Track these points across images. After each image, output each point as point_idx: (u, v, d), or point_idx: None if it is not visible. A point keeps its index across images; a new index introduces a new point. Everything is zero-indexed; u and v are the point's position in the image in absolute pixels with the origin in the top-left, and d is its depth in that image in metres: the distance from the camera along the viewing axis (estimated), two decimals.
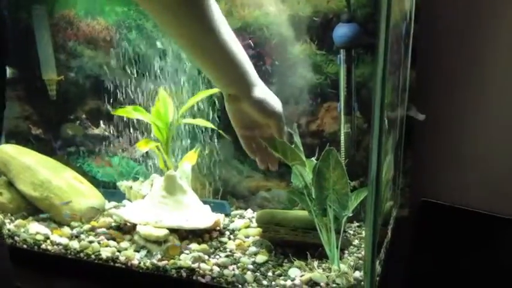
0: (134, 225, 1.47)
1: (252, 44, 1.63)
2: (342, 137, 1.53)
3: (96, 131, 1.83)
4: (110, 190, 1.81)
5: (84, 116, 1.84)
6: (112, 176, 1.85)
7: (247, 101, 0.86)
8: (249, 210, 1.70)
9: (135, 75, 1.73)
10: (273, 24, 1.61)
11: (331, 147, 1.22)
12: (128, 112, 1.55)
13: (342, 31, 1.44)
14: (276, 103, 0.90)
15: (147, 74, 1.72)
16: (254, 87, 0.86)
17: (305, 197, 1.26)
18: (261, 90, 0.87)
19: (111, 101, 1.70)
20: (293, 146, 1.33)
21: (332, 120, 1.64)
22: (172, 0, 0.76)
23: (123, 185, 1.65)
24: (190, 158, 1.65)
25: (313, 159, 1.32)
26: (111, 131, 1.81)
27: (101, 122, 1.83)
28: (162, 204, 1.50)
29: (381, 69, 1.00)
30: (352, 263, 1.25)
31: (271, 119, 0.92)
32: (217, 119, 1.68)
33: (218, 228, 1.52)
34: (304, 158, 1.27)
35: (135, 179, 1.78)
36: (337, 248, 1.24)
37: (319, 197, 1.23)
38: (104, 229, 1.52)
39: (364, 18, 1.47)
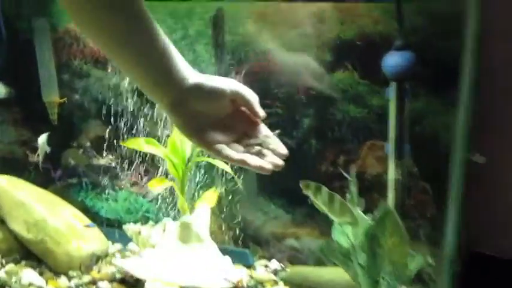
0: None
1: (282, 71, 1.48)
2: (391, 184, 1.35)
3: (102, 161, 1.71)
4: (115, 229, 1.67)
5: (88, 143, 1.73)
6: (118, 212, 1.71)
7: (190, 93, 0.61)
8: (274, 261, 1.52)
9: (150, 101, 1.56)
10: (308, 46, 1.45)
11: (387, 206, 1.03)
12: (139, 144, 1.39)
13: (393, 60, 1.27)
14: (223, 79, 0.64)
15: None
16: (190, 75, 0.62)
17: (351, 262, 1.07)
18: (199, 76, 0.63)
19: (121, 128, 1.62)
20: (349, 198, 1.15)
21: (376, 161, 1.46)
22: None
23: (129, 229, 1.48)
24: (209, 199, 1.50)
25: (363, 214, 1.14)
26: (119, 162, 1.69)
27: (108, 151, 1.71)
28: (175, 256, 1.32)
29: (465, 111, 0.82)
30: None
31: (234, 96, 0.63)
32: None
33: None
34: (359, 213, 1.09)
35: (145, 219, 1.62)
36: None
37: (370, 266, 1.04)
38: (106, 282, 1.34)
39: (420, 45, 1.28)
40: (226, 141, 0.63)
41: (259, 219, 1.59)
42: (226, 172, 1.54)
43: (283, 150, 0.63)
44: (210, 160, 1.46)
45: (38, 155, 1.67)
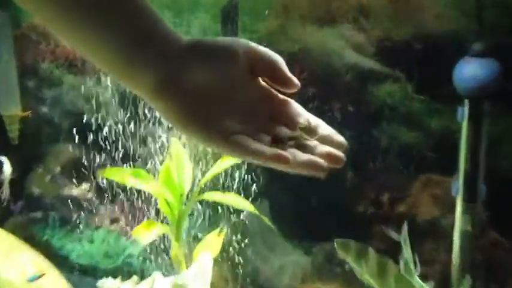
0: None
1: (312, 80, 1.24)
2: (457, 235, 1.07)
3: (75, 192, 1.51)
4: (88, 278, 1.47)
5: (58, 169, 1.53)
6: (93, 256, 1.50)
7: (186, 59, 0.44)
8: None
9: (138, 116, 1.41)
10: (346, 50, 1.22)
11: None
12: (122, 176, 1.21)
13: (470, 70, 1.06)
14: (231, 38, 0.47)
15: (154, 114, 1.39)
16: (183, 38, 0.45)
17: None
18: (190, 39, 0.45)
19: (101, 151, 1.44)
20: (403, 265, 0.89)
21: (432, 199, 1.25)
22: None
23: (105, 286, 1.19)
24: (212, 244, 1.25)
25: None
26: (97, 193, 1.51)
27: (83, 179, 1.51)
28: None
29: None
30: None
31: (250, 58, 0.45)
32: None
33: None
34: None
35: (127, 266, 1.42)
36: None
37: None
38: None
39: (506, 51, 1.07)
40: (246, 131, 0.44)
41: (273, 265, 1.41)
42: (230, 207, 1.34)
43: (339, 137, 0.45)
44: (217, 198, 1.20)
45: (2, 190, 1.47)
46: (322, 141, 0.44)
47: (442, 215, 1.20)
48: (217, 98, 0.44)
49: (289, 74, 0.45)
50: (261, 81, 0.46)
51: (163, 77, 0.43)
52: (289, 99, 0.46)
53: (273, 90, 0.46)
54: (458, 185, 1.09)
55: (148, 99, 0.44)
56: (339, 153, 0.43)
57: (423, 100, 1.17)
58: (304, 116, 0.45)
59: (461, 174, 1.09)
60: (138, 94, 0.45)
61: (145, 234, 1.11)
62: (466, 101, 1.06)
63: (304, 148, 0.43)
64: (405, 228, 1.02)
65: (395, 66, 1.17)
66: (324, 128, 0.45)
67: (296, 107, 0.46)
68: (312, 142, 0.45)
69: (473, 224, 1.10)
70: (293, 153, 0.42)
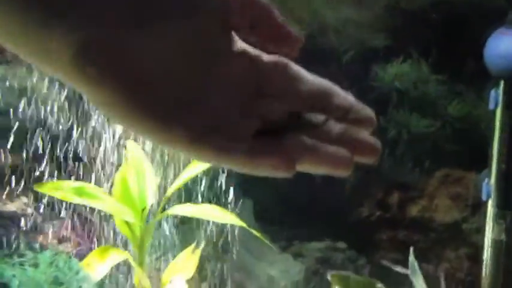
0: None
1: (303, 60, 1.08)
2: (487, 244, 0.94)
3: (11, 207, 1.33)
4: None
5: None
6: (39, 284, 1.34)
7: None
8: None
9: (86, 111, 1.24)
10: (347, 23, 1.04)
11: None
12: (63, 192, 1.02)
13: (506, 45, 0.87)
14: None
15: None
16: None
17: None
18: None
19: (41, 156, 1.26)
20: None
21: (451, 201, 1.07)
22: None
23: None
24: (186, 264, 1.12)
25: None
26: (38, 208, 1.32)
27: (20, 191, 1.31)
28: None
29: None
30: None
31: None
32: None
33: None
34: None
35: None
36: None
37: None
38: None
39: None
40: (223, 120, 0.26)
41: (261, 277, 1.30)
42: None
43: (367, 111, 0.26)
44: (188, 212, 1.05)
45: None
46: (339, 118, 0.28)
47: (463, 218, 1.04)
48: (175, 71, 0.29)
49: (285, 24, 0.28)
50: (236, 36, 0.29)
51: (89, 38, 0.27)
52: (281, 58, 0.28)
53: (255, 49, 0.29)
54: (489, 187, 0.93)
55: (68, 77, 0.27)
56: (373, 141, 0.27)
57: (441, 81, 1.00)
58: (309, 80, 0.28)
59: (494, 175, 0.93)
60: (54, 71, 0.27)
61: (98, 265, 0.91)
62: (501, 83, 0.90)
63: (315, 132, 0.27)
64: (412, 256, 0.85)
65: (407, 41, 0.99)
66: (342, 97, 0.28)
67: (294, 68, 0.29)
68: (327, 123, 0.28)
69: (508, 232, 0.96)
70: (301, 145, 0.27)
